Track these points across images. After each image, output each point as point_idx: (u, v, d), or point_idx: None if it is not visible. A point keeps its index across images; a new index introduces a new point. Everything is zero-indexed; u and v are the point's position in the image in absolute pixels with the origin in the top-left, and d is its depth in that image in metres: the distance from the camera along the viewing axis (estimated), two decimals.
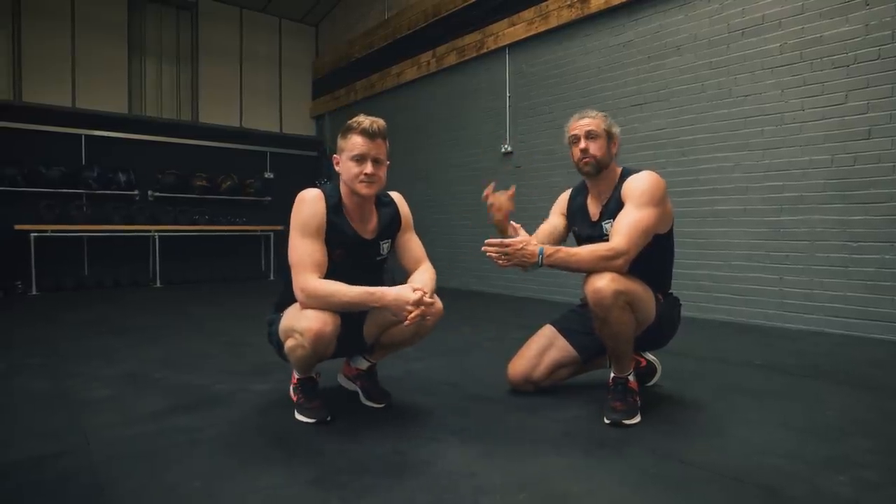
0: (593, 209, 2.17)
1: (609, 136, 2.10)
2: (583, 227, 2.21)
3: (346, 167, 1.91)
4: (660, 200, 1.98)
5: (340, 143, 1.93)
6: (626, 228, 1.92)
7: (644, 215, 1.93)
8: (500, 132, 5.91)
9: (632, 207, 1.96)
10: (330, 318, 1.78)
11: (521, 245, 1.90)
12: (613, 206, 2.06)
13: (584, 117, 2.12)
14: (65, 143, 6.81)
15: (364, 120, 1.89)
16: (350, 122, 1.92)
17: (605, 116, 2.14)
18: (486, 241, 1.92)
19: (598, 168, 2.08)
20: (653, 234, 1.97)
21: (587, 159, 2.07)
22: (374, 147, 1.89)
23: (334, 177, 2.01)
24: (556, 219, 2.30)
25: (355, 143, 1.88)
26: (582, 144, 2.07)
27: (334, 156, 1.97)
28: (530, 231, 2.13)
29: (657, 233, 2.00)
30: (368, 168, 1.87)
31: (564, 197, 2.34)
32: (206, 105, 8.05)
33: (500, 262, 1.93)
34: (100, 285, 6.68)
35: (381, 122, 1.92)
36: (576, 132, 2.10)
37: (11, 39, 6.61)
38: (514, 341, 2.47)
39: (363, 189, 1.89)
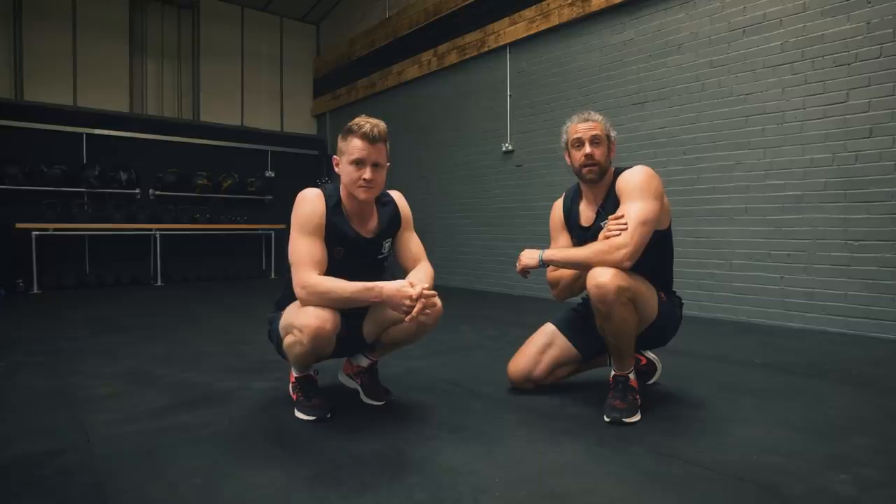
0: (589, 213, 2.14)
1: (609, 140, 2.09)
2: (580, 234, 2.16)
3: (345, 171, 1.89)
4: (657, 193, 1.96)
5: (340, 144, 1.91)
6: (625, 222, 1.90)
7: (643, 208, 1.91)
8: (501, 131, 5.90)
9: (629, 202, 1.93)
10: (330, 315, 1.78)
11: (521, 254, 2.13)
12: (610, 206, 2.04)
13: (586, 121, 2.08)
14: (66, 141, 6.82)
15: (364, 123, 1.86)
16: (350, 124, 1.89)
17: (605, 119, 2.11)
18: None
19: (602, 174, 2.06)
20: (654, 228, 1.93)
21: (592, 166, 2.04)
22: (374, 151, 1.87)
23: (335, 177, 2.00)
24: (563, 238, 2.23)
25: (355, 146, 1.86)
26: (587, 150, 2.03)
27: (334, 157, 1.96)
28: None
29: (657, 228, 1.97)
30: (367, 174, 1.86)
31: (558, 211, 2.26)
32: (207, 104, 8.05)
33: (518, 268, 2.14)
34: (101, 284, 6.69)
35: (382, 125, 1.89)
36: (579, 136, 2.05)
37: (13, 38, 6.61)
38: (515, 340, 2.47)
39: (362, 194, 1.89)
